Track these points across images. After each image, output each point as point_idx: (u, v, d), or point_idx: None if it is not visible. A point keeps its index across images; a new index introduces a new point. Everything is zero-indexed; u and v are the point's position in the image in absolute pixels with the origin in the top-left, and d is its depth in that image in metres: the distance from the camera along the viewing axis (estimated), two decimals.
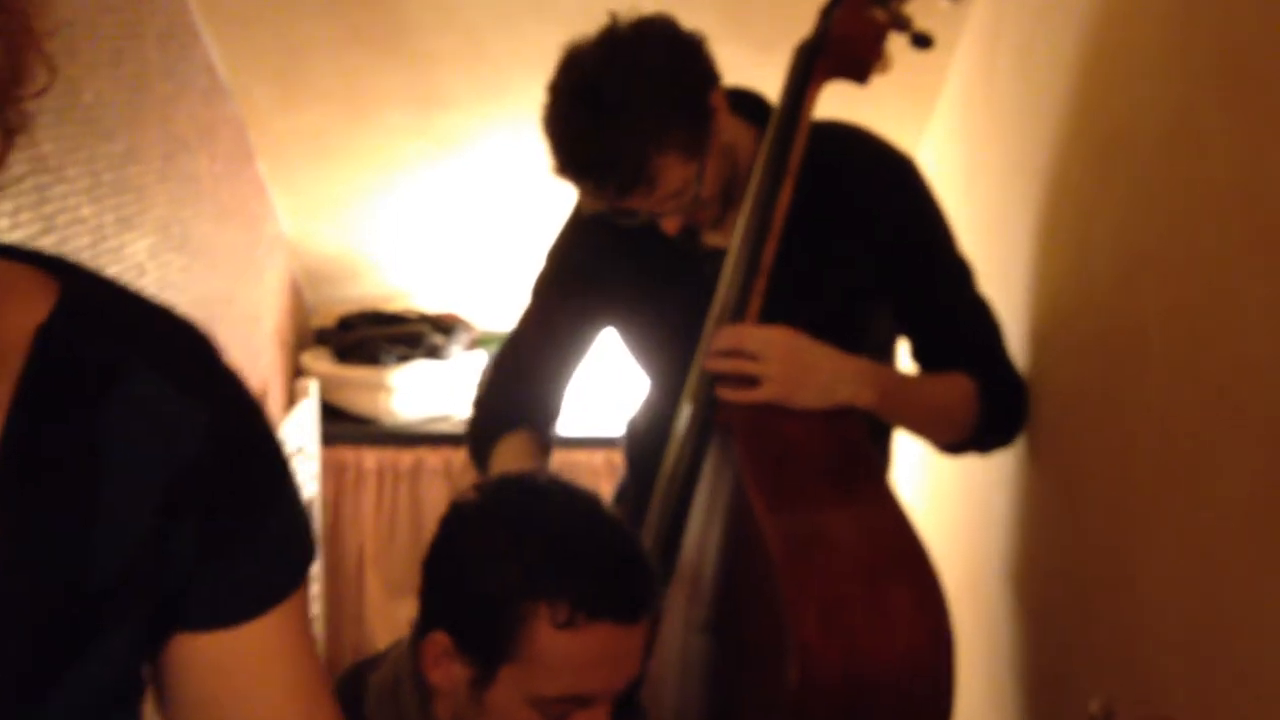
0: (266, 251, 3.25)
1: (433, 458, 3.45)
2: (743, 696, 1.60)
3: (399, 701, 1.39)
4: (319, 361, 3.51)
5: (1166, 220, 1.45)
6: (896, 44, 1.64)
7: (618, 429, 2.07)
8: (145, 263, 2.41)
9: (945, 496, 2.61)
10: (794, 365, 1.58)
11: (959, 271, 1.78)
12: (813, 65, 1.64)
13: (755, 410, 1.59)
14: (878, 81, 2.74)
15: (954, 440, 1.78)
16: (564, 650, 1.26)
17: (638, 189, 1.62)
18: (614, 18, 1.64)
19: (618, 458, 2.19)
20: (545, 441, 1.92)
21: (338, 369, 3.48)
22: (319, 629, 3.38)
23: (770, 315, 1.63)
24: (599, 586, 1.26)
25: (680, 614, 1.72)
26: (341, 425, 3.47)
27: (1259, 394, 1.21)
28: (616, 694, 1.31)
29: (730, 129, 1.69)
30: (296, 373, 3.52)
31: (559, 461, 3.38)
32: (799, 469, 1.57)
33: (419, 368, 3.47)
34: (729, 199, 1.70)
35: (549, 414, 1.94)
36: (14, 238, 1.90)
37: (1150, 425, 1.48)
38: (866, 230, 1.73)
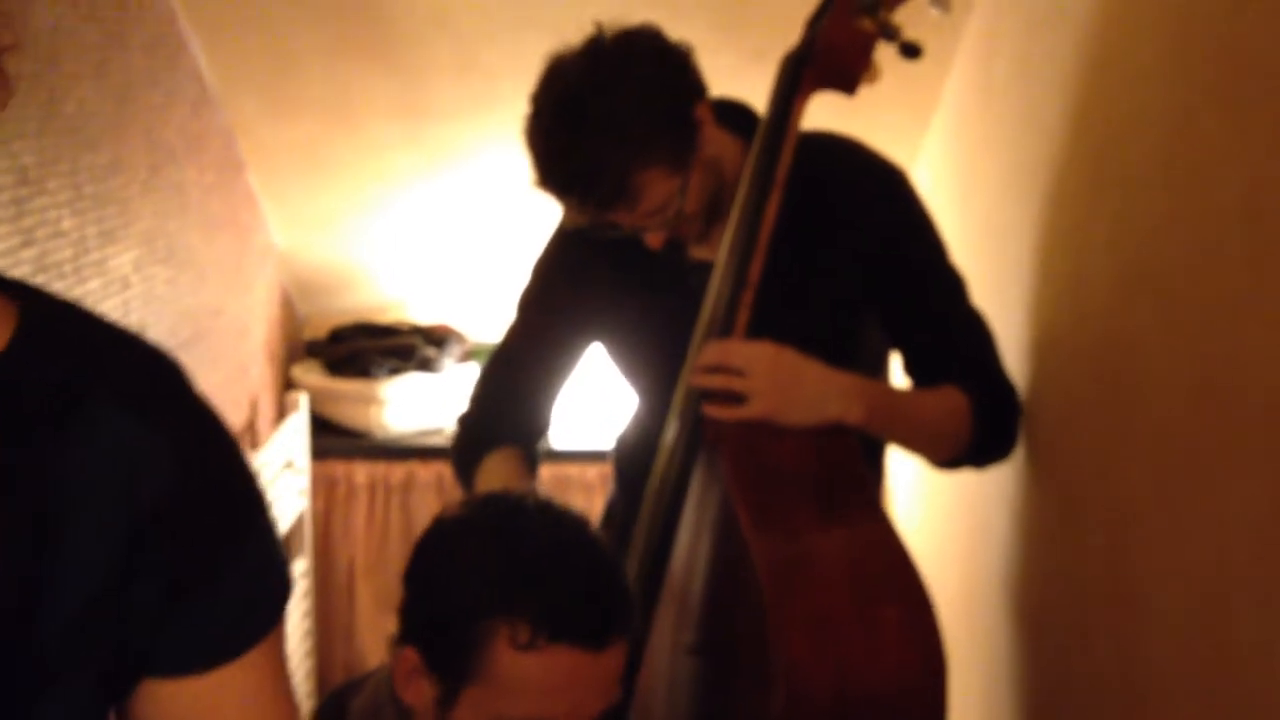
0: (256, 263, 3.22)
1: (424, 471, 3.42)
2: (732, 719, 1.57)
3: None
4: (310, 374, 3.49)
5: (1164, 233, 1.43)
6: (887, 55, 1.61)
7: (611, 443, 2.04)
8: (129, 275, 2.38)
9: (942, 511, 2.59)
10: (781, 381, 1.55)
11: (950, 283, 1.75)
12: (800, 76, 1.61)
13: (743, 428, 1.56)
14: (874, 94, 2.73)
15: (948, 456, 1.74)
16: (524, 673, 1.23)
17: (620, 204, 1.59)
18: (599, 28, 1.60)
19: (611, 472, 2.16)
20: (532, 458, 1.89)
21: (329, 382, 3.46)
22: (309, 644, 3.35)
23: (758, 329, 1.60)
24: (562, 609, 1.23)
25: (669, 634, 1.69)
26: (332, 439, 3.45)
27: (1260, 409, 1.18)
28: None
29: (716, 141, 1.66)
30: (287, 385, 3.50)
31: (552, 475, 3.38)
32: (787, 488, 1.54)
33: (411, 380, 3.44)
34: (715, 212, 1.67)
35: (535, 430, 1.91)
36: None
37: (1149, 440, 1.46)
38: (855, 241, 1.70)
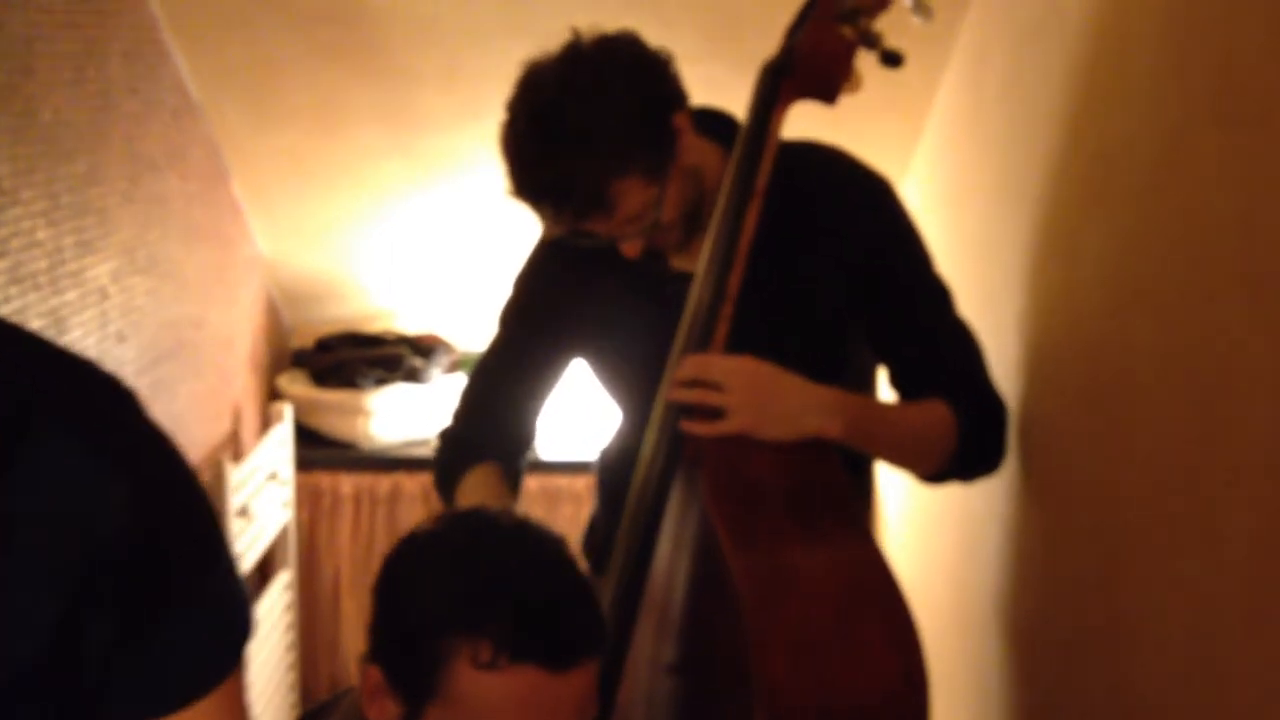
0: (241, 273, 3.19)
1: (411, 483, 3.39)
2: None
3: None
4: (295, 384, 3.46)
5: (1158, 246, 1.41)
6: (872, 65, 1.58)
7: (595, 456, 2.02)
8: (108, 286, 2.35)
9: (933, 528, 2.57)
10: (759, 396, 1.52)
11: (936, 294, 1.72)
12: (778, 86, 1.58)
13: (721, 443, 1.53)
14: (864, 105, 2.71)
15: (933, 470, 1.71)
16: (486, 693, 1.20)
17: (596, 214, 1.57)
18: (576, 34, 1.58)
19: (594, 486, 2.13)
20: (514, 473, 1.87)
21: (314, 392, 3.43)
22: (292, 657, 3.31)
23: (738, 343, 1.57)
24: (524, 627, 1.20)
25: (649, 651, 1.66)
26: (318, 450, 3.42)
27: (1255, 425, 1.17)
28: None
29: (696, 150, 1.63)
30: (273, 396, 3.47)
31: (541, 486, 3.35)
32: (767, 504, 1.51)
33: (397, 391, 3.42)
34: (695, 221, 1.64)
35: (518, 444, 1.89)
36: None
37: (1142, 457, 1.44)
38: (839, 252, 1.67)
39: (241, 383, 3.23)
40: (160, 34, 2.58)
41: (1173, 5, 1.41)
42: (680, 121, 1.59)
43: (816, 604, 1.43)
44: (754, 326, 1.60)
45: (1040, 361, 1.83)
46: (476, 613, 1.20)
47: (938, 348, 1.70)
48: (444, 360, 3.51)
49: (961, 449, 1.66)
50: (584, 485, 3.31)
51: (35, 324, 2.07)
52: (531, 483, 3.30)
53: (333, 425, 3.44)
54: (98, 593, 0.77)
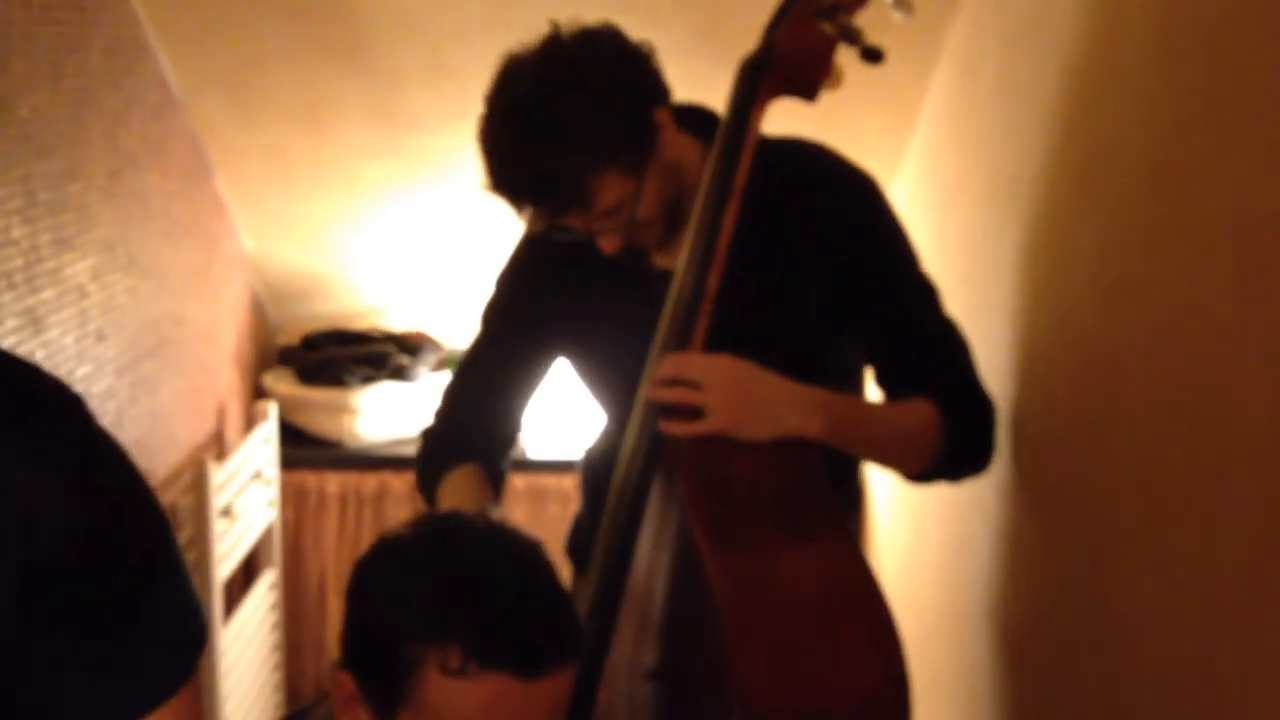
0: (225, 270, 3.16)
1: (398, 482, 3.37)
2: None
3: None
4: (281, 382, 3.44)
5: (1151, 246, 1.40)
6: (864, 65, 1.56)
7: (580, 456, 2.00)
8: (87, 284, 2.33)
9: (924, 530, 2.56)
10: (738, 395, 1.50)
11: (922, 292, 1.70)
12: (757, 83, 1.56)
13: (700, 444, 1.51)
14: (855, 104, 2.70)
15: (918, 469, 1.69)
16: (456, 700, 1.18)
17: (573, 208, 1.55)
18: (556, 27, 1.56)
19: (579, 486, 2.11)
20: (497, 472, 1.85)
21: (300, 390, 3.41)
22: (278, 658, 3.29)
23: (718, 342, 1.55)
24: (494, 634, 1.18)
25: (629, 655, 1.64)
26: (304, 448, 3.40)
27: (1249, 425, 1.16)
28: None
29: (677, 146, 1.61)
30: (258, 394, 3.44)
31: (528, 485, 3.33)
32: (745, 506, 1.49)
33: (384, 389, 3.39)
34: (676, 218, 1.63)
35: (501, 442, 1.87)
36: None
37: (1135, 458, 1.43)
38: (821, 250, 1.65)
39: (226, 381, 3.21)
40: (141, 29, 2.55)
41: (1165, 4, 1.39)
42: (661, 116, 1.58)
43: (795, 606, 1.41)
44: (734, 326, 1.58)
45: (1032, 362, 1.82)
46: (446, 619, 1.19)
47: (923, 346, 1.68)
48: (431, 358, 3.49)
49: (948, 448, 1.64)
50: (571, 484, 3.29)
51: (10, 323, 2.05)
52: (518, 481, 3.29)
53: (319, 423, 3.42)
54: (42, 599, 0.75)
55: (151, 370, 2.67)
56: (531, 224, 1.66)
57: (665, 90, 1.61)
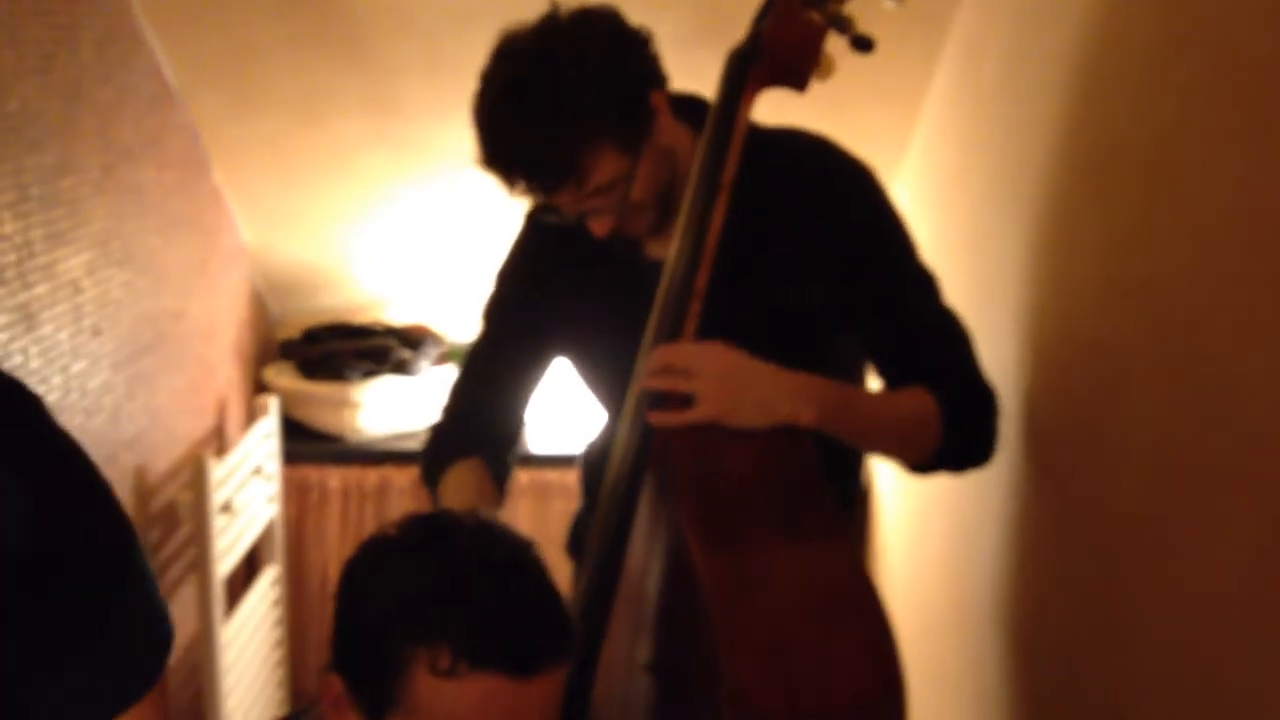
0: (224, 263, 3.14)
1: (400, 476, 3.35)
2: None
3: None
4: (282, 376, 3.41)
5: (1156, 239, 1.38)
6: (875, 57, 1.53)
7: (580, 452, 1.99)
8: (81, 279, 2.30)
9: (930, 525, 2.54)
10: (729, 382, 1.48)
11: (920, 281, 1.67)
12: (745, 74, 1.54)
13: (692, 440, 1.49)
14: (857, 96, 2.67)
15: (918, 459, 1.66)
16: (446, 701, 1.16)
17: (566, 184, 1.53)
18: (554, 6, 1.55)
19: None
20: (500, 467, 1.83)
21: (301, 384, 3.38)
22: (280, 653, 3.27)
23: (712, 337, 1.53)
24: (484, 633, 1.16)
25: (625, 649, 1.63)
26: (305, 443, 3.38)
27: (1255, 422, 1.14)
28: None
29: (672, 133, 1.60)
30: (260, 388, 3.42)
31: (532, 480, 3.31)
32: (738, 503, 1.47)
33: (385, 383, 3.37)
34: (668, 206, 1.61)
35: (503, 439, 1.85)
36: None
37: (1140, 454, 1.41)
38: (817, 240, 1.63)
39: (225, 375, 3.19)
40: (135, 20, 2.52)
41: None
42: (657, 100, 1.56)
43: (787, 606, 1.39)
44: (729, 320, 1.56)
45: (1036, 357, 1.80)
46: (435, 619, 1.17)
47: (922, 335, 1.65)
48: (432, 352, 3.46)
49: (948, 439, 1.62)
50: (575, 479, 3.26)
51: (2, 319, 2.02)
52: (522, 476, 3.27)
53: (320, 418, 3.40)
54: (3, 615, 0.72)
55: (149, 365, 2.64)
56: (523, 200, 1.64)
57: (662, 75, 1.59)
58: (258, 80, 2.77)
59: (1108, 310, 1.52)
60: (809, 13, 1.48)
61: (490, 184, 1.61)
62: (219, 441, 3.12)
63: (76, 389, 2.29)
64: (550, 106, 1.49)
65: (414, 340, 3.46)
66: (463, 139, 2.90)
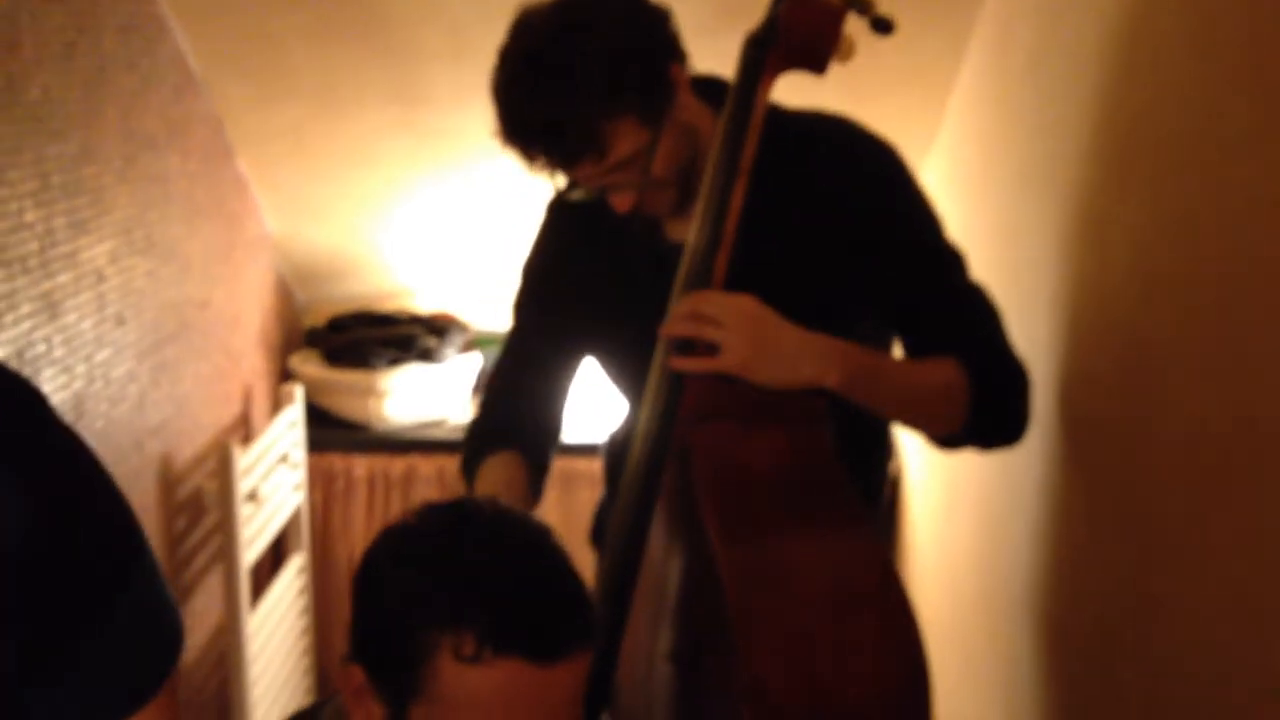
0: (249, 252, 3.13)
1: (425, 465, 3.34)
2: None
3: None
4: (307, 364, 3.41)
5: (1192, 227, 1.35)
6: (895, 41, 1.51)
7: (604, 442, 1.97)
8: (105, 268, 2.30)
9: (960, 514, 2.51)
10: (756, 334, 1.46)
11: (947, 258, 1.65)
12: (763, 58, 1.52)
13: (715, 430, 1.47)
14: (885, 81, 2.64)
15: (945, 431, 1.64)
16: (471, 688, 1.15)
17: (587, 156, 1.51)
18: None
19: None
20: (538, 460, 1.83)
21: (327, 372, 3.38)
22: (307, 641, 3.28)
23: None
24: (509, 618, 1.15)
25: (646, 636, 1.62)
26: (331, 431, 3.38)
27: None
28: None
29: (693, 111, 1.58)
30: (285, 376, 3.41)
31: (559, 469, 3.26)
32: (759, 493, 1.45)
33: (411, 371, 3.36)
34: (689, 186, 1.59)
35: (540, 432, 1.85)
36: None
37: (1176, 445, 1.38)
38: (842, 221, 1.61)
39: (251, 364, 3.18)
40: (158, 8, 2.52)
41: None
42: (678, 74, 1.55)
43: (807, 597, 1.38)
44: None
45: (1069, 346, 1.78)
46: (458, 605, 1.16)
47: (951, 310, 1.63)
48: (458, 340, 3.45)
49: (976, 412, 1.59)
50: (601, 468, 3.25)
51: (25, 308, 2.02)
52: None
53: (346, 406, 3.39)
54: (3, 615, 0.71)
55: (174, 354, 2.64)
56: (542, 176, 1.63)
57: (682, 50, 1.57)
58: (282, 68, 2.75)
59: (1142, 298, 1.50)
60: None
61: (514, 170, 1.59)
62: (244, 430, 3.11)
63: (100, 378, 2.29)
64: (569, 77, 1.47)
65: (439, 328, 3.45)
66: (487, 127, 2.89)
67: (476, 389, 3.57)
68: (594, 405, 3.21)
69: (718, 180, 1.52)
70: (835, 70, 1.56)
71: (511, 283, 1.88)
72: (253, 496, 2.78)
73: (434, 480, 3.33)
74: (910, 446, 3.11)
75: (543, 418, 1.85)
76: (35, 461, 0.74)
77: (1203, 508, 1.31)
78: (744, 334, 1.46)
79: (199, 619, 2.83)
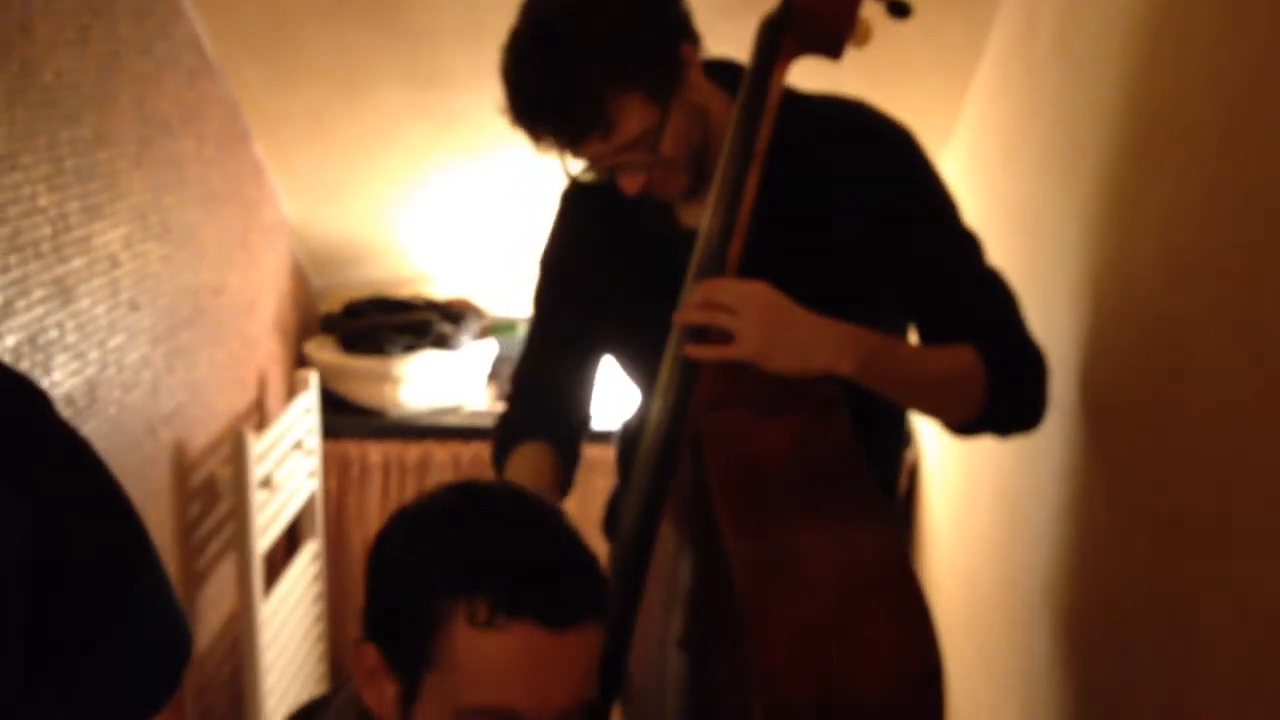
0: (265, 237, 3.12)
1: (440, 452, 3.34)
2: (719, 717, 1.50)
3: None
4: (323, 350, 3.40)
5: (1221, 214, 1.33)
6: (912, 24, 1.48)
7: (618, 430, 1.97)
8: (119, 253, 2.29)
9: (979, 507, 2.50)
10: (769, 321, 1.45)
11: (963, 242, 1.63)
12: (778, 42, 1.50)
13: (726, 419, 1.46)
14: (906, 64, 2.61)
15: (962, 418, 1.62)
16: (484, 653, 1.14)
17: (594, 132, 1.50)
18: None
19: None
20: (568, 451, 1.82)
21: (342, 358, 3.37)
22: (321, 628, 3.27)
23: None
24: (521, 582, 1.15)
25: (659, 623, 1.62)
26: (346, 418, 3.37)
27: None
28: (550, 717, 1.17)
29: (704, 92, 1.57)
30: (300, 362, 3.41)
31: None
32: (771, 483, 1.43)
33: (427, 357, 3.35)
34: (701, 170, 1.58)
35: (567, 423, 1.85)
36: None
37: (1202, 438, 1.36)
38: (857, 206, 1.59)
39: (266, 349, 3.17)
40: None
41: None
42: (688, 53, 1.54)
43: (819, 590, 1.36)
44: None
45: (1092, 334, 1.75)
46: (472, 571, 1.15)
47: (968, 295, 1.62)
48: (474, 326, 3.44)
49: (994, 397, 1.58)
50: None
51: (38, 293, 2.01)
52: None
53: (361, 392, 3.38)
54: (4, 626, 0.69)
55: (189, 339, 2.63)
56: (549, 153, 1.61)
57: (693, 30, 1.56)
58: (298, 51, 2.74)
59: (1167, 286, 1.48)
60: None
61: (531, 156, 1.58)
62: (259, 416, 3.11)
63: (114, 363, 2.28)
64: (575, 52, 1.47)
65: (455, 314, 3.44)
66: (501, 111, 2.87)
67: (492, 376, 3.56)
68: (613, 393, 3.20)
69: (731, 166, 1.51)
70: (855, 56, 1.54)
71: (528, 269, 1.88)
72: (267, 483, 2.77)
73: (449, 467, 3.32)
74: (929, 435, 3.09)
75: (568, 408, 1.85)
76: (36, 473, 0.73)
77: (1227, 497, 1.29)
78: (757, 321, 1.45)
79: (212, 606, 2.83)
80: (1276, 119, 1.20)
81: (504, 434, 1.83)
